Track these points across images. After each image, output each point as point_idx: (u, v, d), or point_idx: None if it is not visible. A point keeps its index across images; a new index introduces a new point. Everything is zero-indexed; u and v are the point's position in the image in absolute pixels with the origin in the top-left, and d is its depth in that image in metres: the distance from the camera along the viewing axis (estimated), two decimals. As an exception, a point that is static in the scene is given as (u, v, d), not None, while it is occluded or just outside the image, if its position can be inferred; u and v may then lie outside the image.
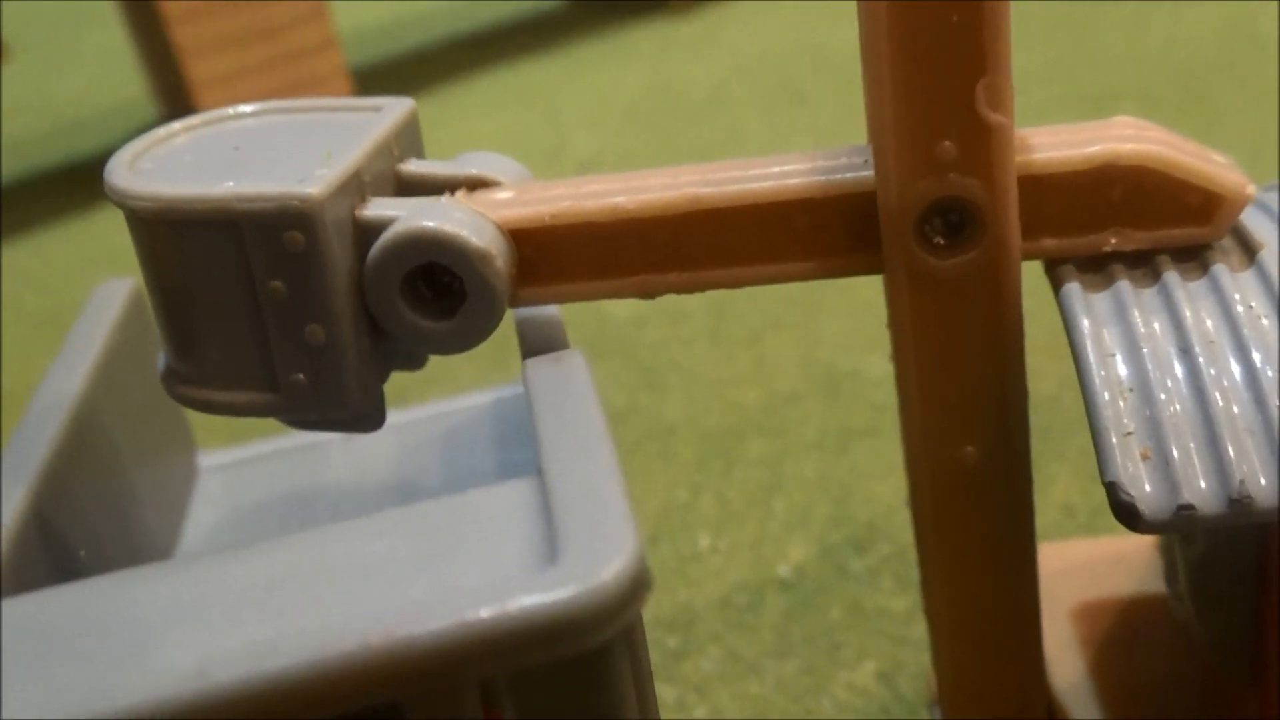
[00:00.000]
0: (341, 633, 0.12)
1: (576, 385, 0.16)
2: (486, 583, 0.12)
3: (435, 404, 0.30)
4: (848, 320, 0.47)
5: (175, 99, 0.88)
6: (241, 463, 0.29)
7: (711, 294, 0.51)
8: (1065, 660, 0.24)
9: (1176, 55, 0.71)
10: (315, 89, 0.88)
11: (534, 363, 0.17)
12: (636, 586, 0.12)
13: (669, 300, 0.54)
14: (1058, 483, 0.36)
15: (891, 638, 0.32)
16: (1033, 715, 0.23)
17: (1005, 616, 0.22)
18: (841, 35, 0.89)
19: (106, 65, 1.20)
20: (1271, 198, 0.20)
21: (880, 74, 0.18)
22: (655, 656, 0.33)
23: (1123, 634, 0.24)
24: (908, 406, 0.20)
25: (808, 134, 0.70)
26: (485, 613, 0.12)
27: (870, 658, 0.32)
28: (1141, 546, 0.26)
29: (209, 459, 0.30)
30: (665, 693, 0.32)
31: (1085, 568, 0.26)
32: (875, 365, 0.44)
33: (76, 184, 0.90)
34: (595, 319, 0.51)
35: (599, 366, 0.47)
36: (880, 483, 0.38)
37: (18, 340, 0.67)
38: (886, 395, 0.41)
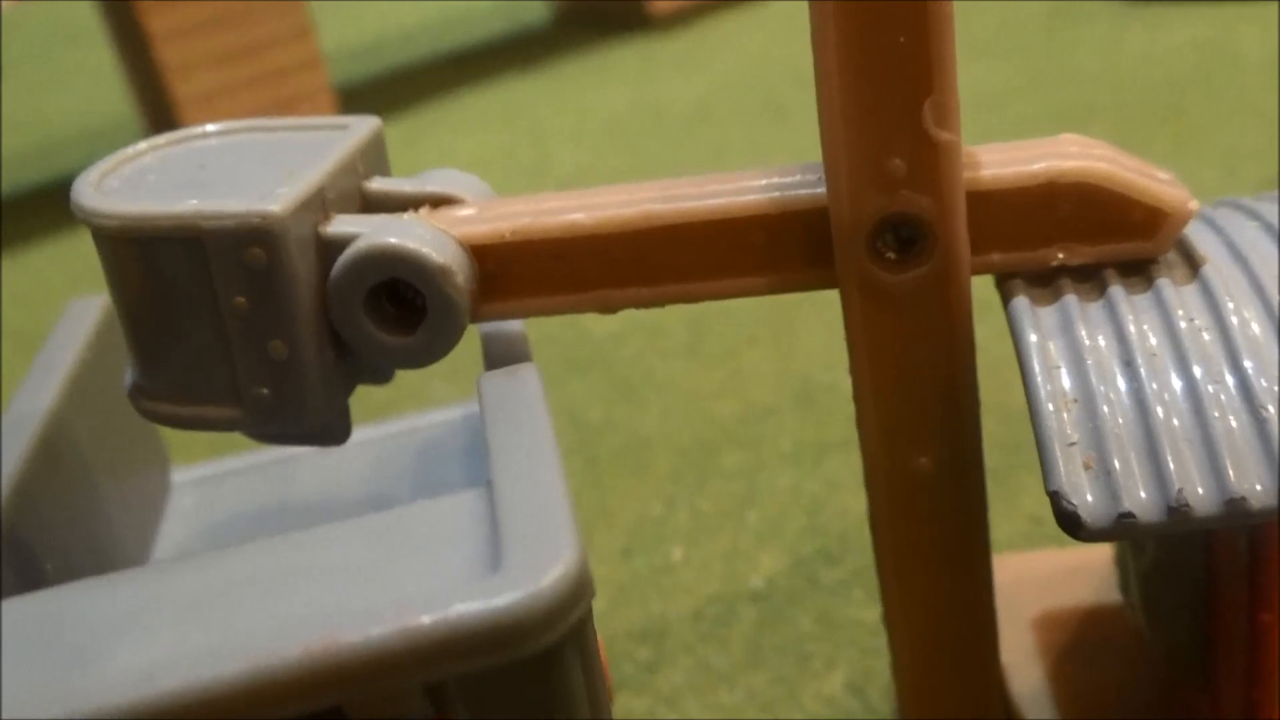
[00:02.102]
0: (285, 639, 0.12)
1: (527, 398, 0.16)
2: (429, 590, 0.12)
3: (407, 419, 0.30)
4: (823, 335, 0.48)
5: (160, 117, 0.88)
6: (215, 478, 0.30)
7: (689, 310, 0.51)
8: (1025, 668, 0.25)
9: (1151, 70, 0.72)
10: (299, 107, 0.88)
11: (488, 376, 0.17)
12: (577, 592, 0.12)
13: (647, 315, 0.55)
14: (1027, 493, 0.37)
15: (861, 648, 0.33)
16: (992, 723, 0.23)
17: (961, 623, 0.22)
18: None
19: (95, 84, 1.20)
20: (1216, 214, 0.21)
21: (831, 93, 0.18)
22: (627, 668, 0.34)
23: (1081, 642, 0.25)
24: (864, 418, 0.21)
25: (789, 149, 0.71)
26: (426, 619, 0.12)
27: (840, 668, 0.32)
28: (1099, 557, 0.26)
29: (182, 474, 0.30)
30: (636, 704, 0.32)
31: (1045, 578, 0.26)
32: (848, 380, 0.44)
33: (64, 202, 0.91)
34: (573, 333, 0.51)
35: (577, 380, 0.48)
36: (853, 495, 0.38)
37: (5, 357, 0.67)
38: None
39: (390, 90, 0.99)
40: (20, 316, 0.72)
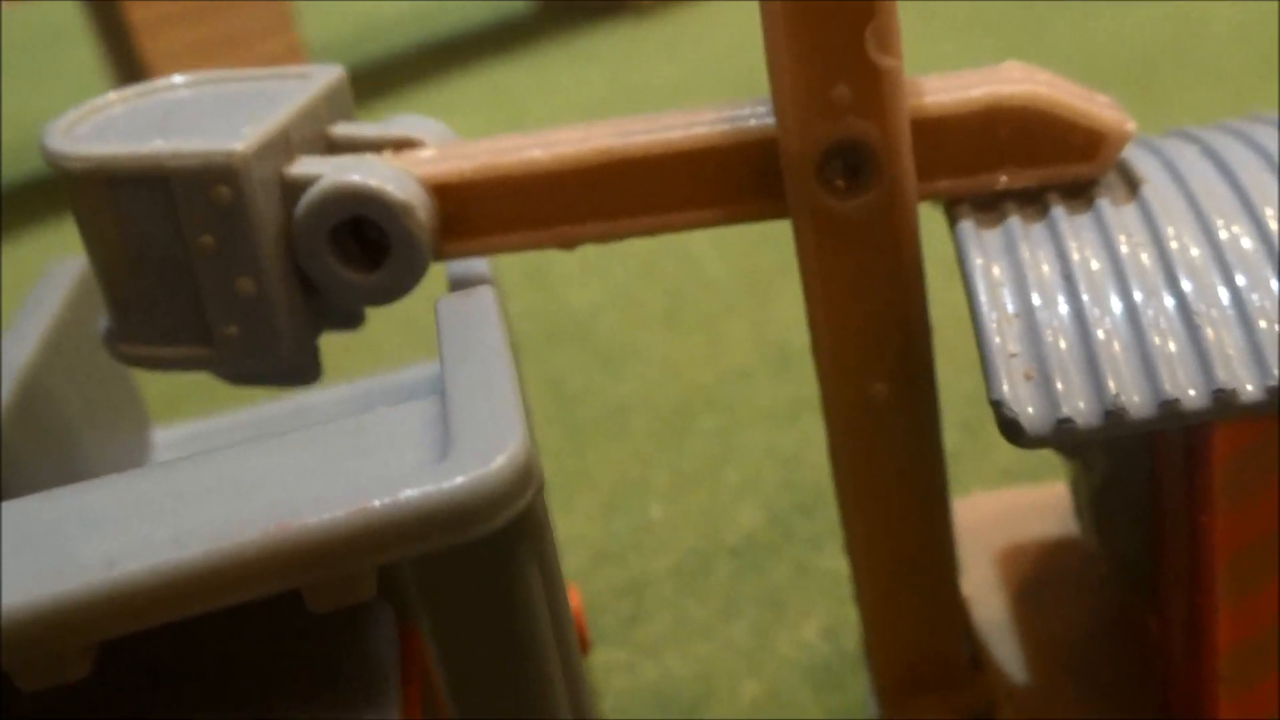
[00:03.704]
0: (241, 525, 0.12)
1: (481, 311, 0.17)
2: (382, 479, 0.13)
3: (382, 377, 0.30)
4: (800, 303, 0.48)
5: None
6: (194, 438, 0.30)
7: (668, 281, 0.52)
8: (988, 601, 0.25)
9: (1123, 43, 0.72)
10: (283, 96, 0.88)
11: (445, 298, 0.18)
12: (523, 477, 0.13)
13: (626, 287, 0.55)
14: (999, 447, 0.37)
15: (835, 597, 0.33)
16: (953, 651, 0.24)
17: (921, 548, 0.22)
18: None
19: (86, 80, 1.20)
20: (1158, 140, 0.21)
21: (775, 22, 0.19)
22: (608, 623, 0.34)
23: (1041, 574, 0.25)
24: (819, 347, 0.21)
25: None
26: (376, 502, 0.12)
27: (814, 616, 0.33)
28: (1060, 492, 0.27)
29: (162, 434, 0.30)
30: (616, 656, 0.33)
31: (1008, 515, 0.27)
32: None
33: (61, 195, 0.91)
34: (555, 305, 0.52)
35: (557, 351, 0.48)
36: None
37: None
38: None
39: (372, 79, 0.99)
40: (10, 310, 0.72)
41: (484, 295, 0.17)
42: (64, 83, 1.28)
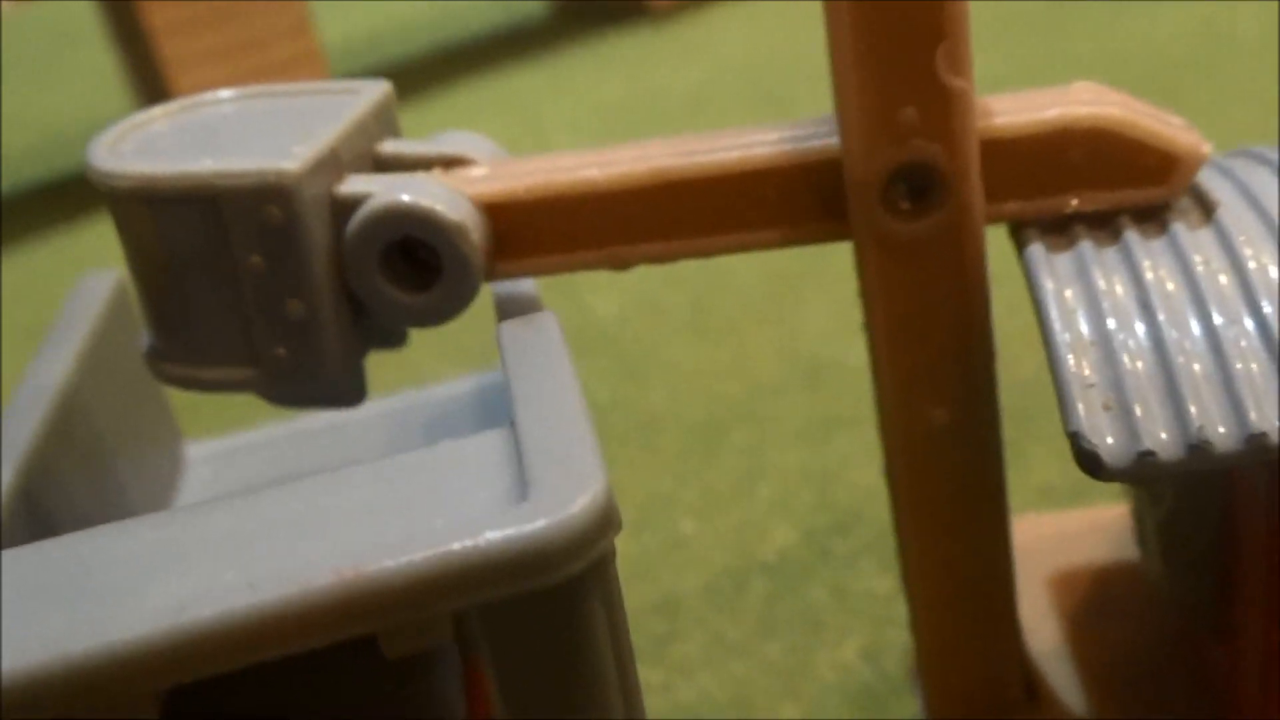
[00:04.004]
0: (316, 568, 0.12)
1: (547, 340, 0.16)
2: (458, 520, 0.13)
3: (420, 391, 0.30)
4: (828, 311, 0.48)
5: (160, 112, 0.88)
6: (228, 452, 0.30)
7: (692, 288, 0.51)
8: (1043, 628, 0.25)
9: (1149, 55, 0.72)
10: (300, 100, 0.88)
11: (507, 324, 0.18)
12: (604, 520, 0.13)
13: (650, 295, 0.54)
14: (1037, 464, 0.37)
15: (874, 618, 0.33)
16: (1009, 679, 0.23)
17: (980, 578, 0.22)
18: (817, 43, 0.89)
19: (94, 82, 1.20)
20: (1228, 161, 0.21)
21: (842, 42, 0.18)
22: (641, 642, 0.34)
23: (1097, 600, 0.25)
24: (879, 371, 0.21)
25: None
26: (456, 546, 0.12)
27: (853, 637, 0.32)
28: (1116, 516, 0.26)
29: (196, 449, 0.30)
30: (651, 676, 0.32)
31: (1063, 538, 0.26)
32: (856, 354, 0.44)
33: (66, 198, 0.91)
34: (578, 314, 0.51)
35: (582, 361, 0.48)
36: (863, 470, 0.38)
37: (8, 353, 0.67)
38: (867, 384, 0.42)
39: (390, 81, 0.99)
40: (23, 312, 0.72)
41: (547, 322, 0.17)
42: (71, 85, 1.27)
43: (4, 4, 1.89)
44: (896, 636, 0.32)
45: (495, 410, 0.28)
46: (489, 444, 0.14)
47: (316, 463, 0.29)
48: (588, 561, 0.12)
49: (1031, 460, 0.37)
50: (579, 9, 1.08)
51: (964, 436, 0.21)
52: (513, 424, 0.14)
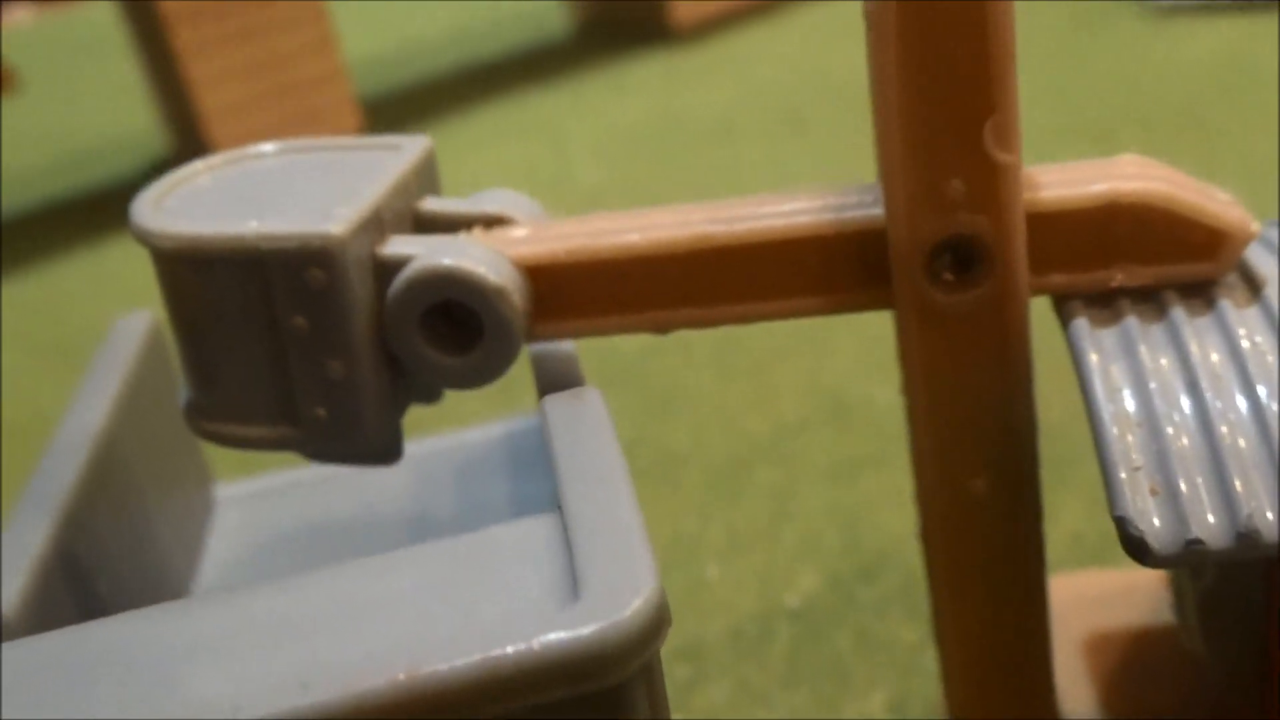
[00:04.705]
0: (371, 669, 0.12)
1: (594, 421, 0.16)
2: (510, 619, 0.12)
3: (448, 436, 0.30)
4: (854, 349, 0.48)
5: (186, 129, 0.89)
6: (258, 495, 0.30)
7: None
8: (1076, 692, 0.25)
9: (1173, 82, 0.71)
10: (324, 119, 0.89)
11: (552, 400, 0.17)
12: (657, 623, 0.12)
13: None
14: (1066, 511, 0.37)
15: (901, 668, 0.32)
16: (1043, 745, 0.23)
17: (1015, 647, 0.22)
18: (841, 64, 0.90)
19: (116, 95, 1.21)
20: (1274, 234, 0.21)
21: (890, 114, 0.18)
22: (667, 687, 0.33)
23: (1133, 665, 0.25)
24: (918, 439, 0.21)
25: (810, 162, 0.71)
26: (510, 650, 0.12)
27: (880, 688, 0.32)
28: (1151, 578, 0.26)
29: (226, 491, 0.30)
30: (676, 723, 0.32)
31: (1095, 599, 0.26)
32: (883, 394, 0.44)
33: (88, 214, 0.91)
34: (603, 349, 0.51)
35: (607, 396, 0.48)
36: (889, 512, 0.38)
37: (25, 370, 0.67)
38: (895, 424, 0.42)
39: (412, 102, 0.99)
40: (41, 329, 0.72)
41: (593, 400, 0.17)
42: (94, 98, 1.28)
43: (24, 14, 1.90)
44: (922, 687, 0.32)
45: (523, 462, 0.28)
46: (537, 531, 0.14)
47: (342, 508, 0.29)
48: (642, 663, 0.12)
49: (1060, 507, 0.36)
50: (601, 28, 1.08)
51: (1003, 506, 0.21)
52: (560, 509, 0.14)
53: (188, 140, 0.89)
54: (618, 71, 0.97)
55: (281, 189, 0.21)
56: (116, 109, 1.18)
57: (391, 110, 0.97)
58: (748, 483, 0.41)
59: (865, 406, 0.44)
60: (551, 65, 1.02)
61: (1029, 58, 0.75)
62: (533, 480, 0.28)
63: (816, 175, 0.69)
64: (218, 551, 0.28)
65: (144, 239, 0.20)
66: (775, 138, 0.77)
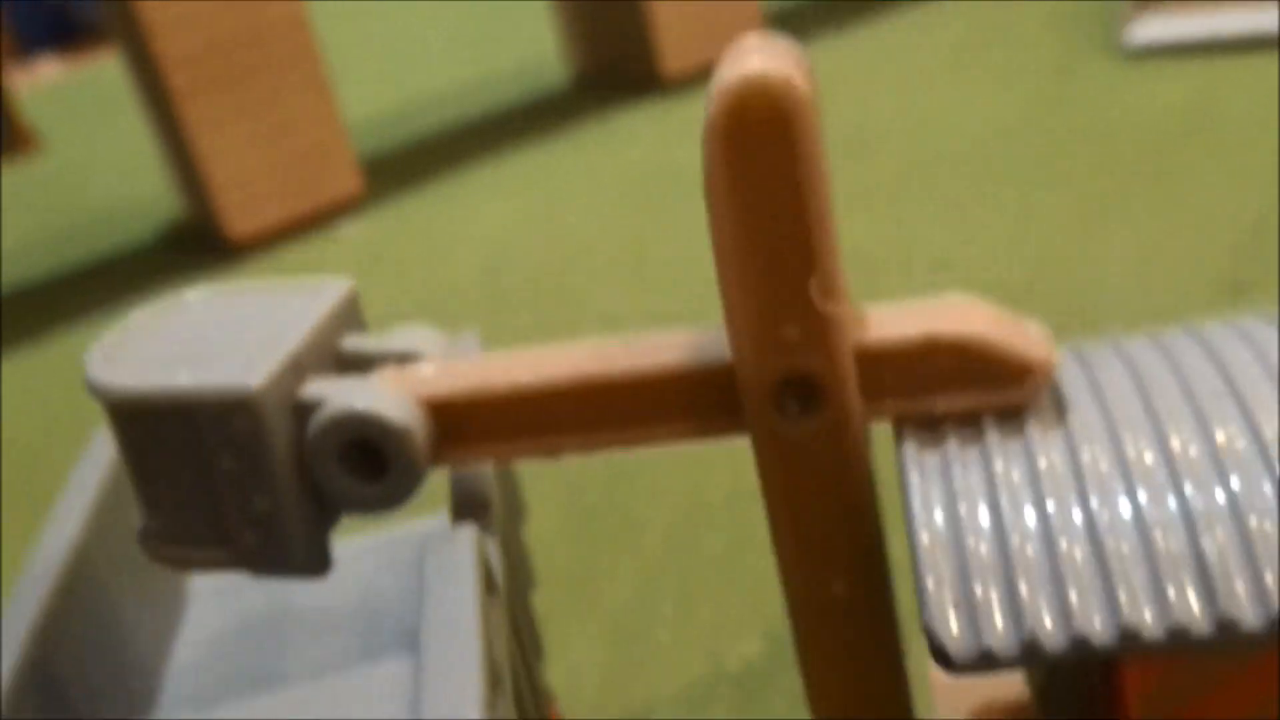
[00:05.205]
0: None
1: (460, 569, 0.19)
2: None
3: (396, 530, 0.33)
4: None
5: (197, 196, 0.93)
6: (228, 586, 0.33)
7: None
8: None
9: (1145, 126, 0.73)
10: (327, 183, 0.92)
11: (431, 544, 0.20)
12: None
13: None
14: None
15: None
16: (921, 812, 0.25)
17: (881, 727, 0.24)
18: (830, 109, 0.92)
19: (133, 154, 1.25)
20: (1090, 354, 0.23)
21: (729, 273, 0.21)
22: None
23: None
24: (780, 547, 0.23)
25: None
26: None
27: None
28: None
29: (199, 582, 0.33)
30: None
31: (975, 687, 0.28)
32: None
33: (104, 279, 0.95)
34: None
35: (568, 462, 0.50)
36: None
37: (42, 449, 0.70)
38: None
39: (412, 159, 1.03)
40: (63, 398, 0.76)
41: (464, 541, 0.20)
42: (113, 157, 1.32)
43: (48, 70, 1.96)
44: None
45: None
46: (395, 676, 0.17)
47: (303, 600, 0.32)
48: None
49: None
50: (597, 80, 1.11)
51: (860, 606, 0.23)
52: (419, 649, 0.17)
53: (199, 207, 0.93)
54: (612, 124, 1.00)
55: (214, 338, 0.24)
56: (132, 168, 1.22)
57: (391, 168, 1.01)
58: (699, 548, 0.43)
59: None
60: (548, 117, 1.05)
61: (1004, 103, 0.78)
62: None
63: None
64: (189, 643, 0.30)
65: (94, 392, 0.23)
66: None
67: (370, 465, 0.23)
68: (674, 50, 1.03)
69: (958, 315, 0.22)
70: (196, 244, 0.94)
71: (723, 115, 0.20)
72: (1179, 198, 0.64)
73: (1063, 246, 0.62)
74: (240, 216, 0.89)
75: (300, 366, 0.23)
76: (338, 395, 0.23)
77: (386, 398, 0.23)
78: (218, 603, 0.32)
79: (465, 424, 0.23)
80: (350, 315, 0.25)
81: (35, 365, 0.82)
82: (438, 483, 0.25)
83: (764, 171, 0.20)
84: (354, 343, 0.25)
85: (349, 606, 0.31)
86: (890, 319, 0.22)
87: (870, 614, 0.23)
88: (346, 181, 0.93)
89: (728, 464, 0.48)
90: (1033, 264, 0.61)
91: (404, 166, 1.01)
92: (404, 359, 0.24)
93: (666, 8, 1.01)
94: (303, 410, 0.23)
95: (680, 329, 0.23)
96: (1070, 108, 0.79)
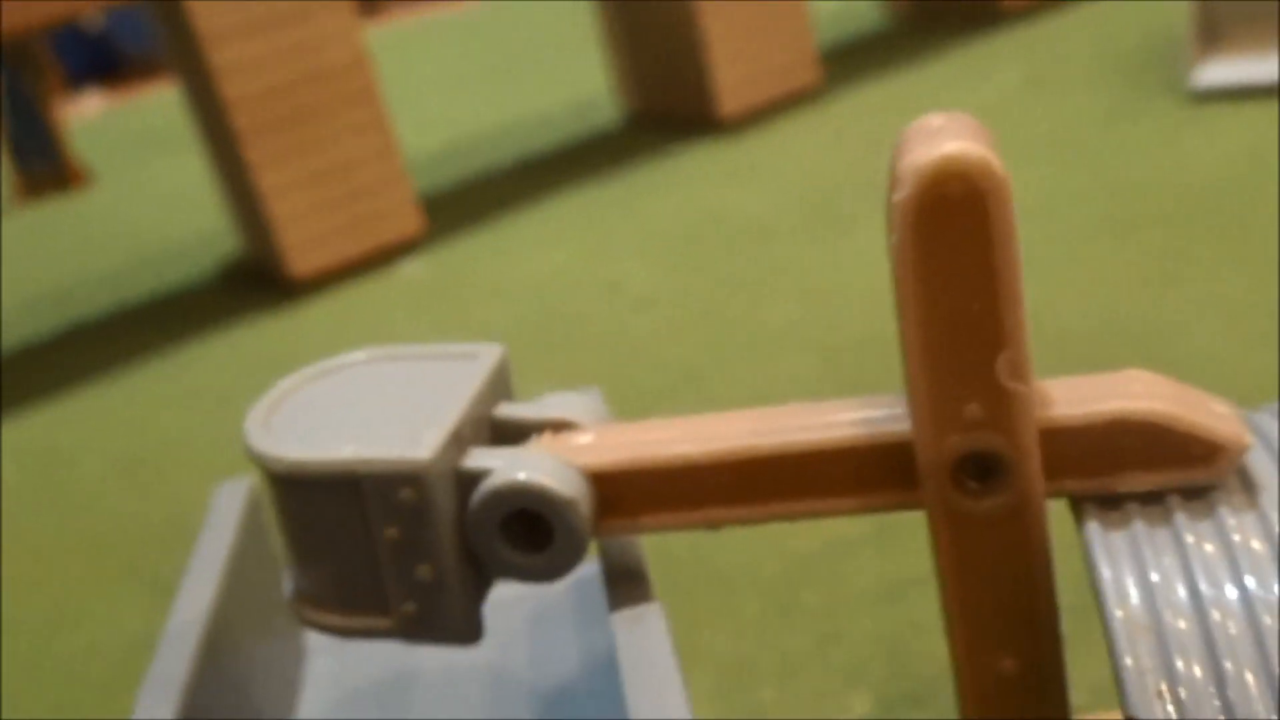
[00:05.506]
0: None
1: (656, 650, 0.19)
2: None
3: (519, 585, 0.32)
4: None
5: (257, 233, 0.93)
6: (345, 642, 0.32)
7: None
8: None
9: (1204, 179, 0.73)
10: (387, 222, 0.92)
11: (620, 618, 0.20)
12: None
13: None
14: (1093, 663, 0.38)
15: (950, 795, 0.34)
16: None
17: (1047, 811, 0.24)
18: (881, 157, 0.91)
19: (185, 188, 1.26)
20: (1266, 425, 0.22)
21: (914, 349, 0.21)
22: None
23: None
24: (951, 625, 0.23)
25: (856, 262, 0.73)
26: None
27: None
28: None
29: (316, 638, 0.33)
30: None
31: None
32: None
33: (163, 318, 0.95)
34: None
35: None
36: (936, 636, 0.40)
37: (106, 480, 0.70)
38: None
39: (469, 199, 1.03)
40: (126, 438, 0.76)
41: (655, 618, 0.19)
42: (165, 192, 1.33)
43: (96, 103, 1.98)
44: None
45: (589, 612, 0.30)
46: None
47: (425, 655, 0.31)
48: None
49: (1086, 658, 0.38)
50: (651, 121, 1.12)
51: (1031, 684, 0.23)
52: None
53: (259, 245, 0.94)
54: (665, 166, 1.00)
55: (371, 406, 0.24)
56: (185, 201, 1.23)
57: (450, 208, 1.01)
58: (797, 603, 0.43)
59: (904, 524, 0.46)
60: (603, 158, 1.06)
61: (1060, 154, 0.78)
62: (596, 629, 0.31)
63: (859, 277, 0.71)
64: (311, 699, 0.30)
65: (258, 462, 0.23)
66: (820, 237, 0.79)
67: (532, 534, 0.23)
68: (729, 92, 1.03)
69: (1142, 391, 0.21)
70: (256, 282, 0.94)
71: (918, 194, 0.20)
72: (1249, 244, 0.64)
73: (1132, 296, 0.61)
74: (300, 255, 0.89)
75: (462, 437, 0.23)
76: (502, 466, 0.22)
77: (550, 468, 0.22)
78: (333, 661, 0.32)
79: (627, 494, 0.23)
80: (502, 382, 0.25)
81: (99, 405, 0.82)
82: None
83: (958, 249, 0.20)
84: (509, 410, 0.24)
85: (468, 663, 0.31)
86: (1074, 396, 0.21)
87: (1041, 694, 0.23)
88: (406, 221, 0.94)
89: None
90: (1101, 314, 0.61)
91: (462, 206, 1.01)
92: (559, 426, 0.24)
93: (722, 49, 1.02)
94: (465, 480, 0.23)
95: (851, 399, 0.23)
96: (1135, 153, 0.79)
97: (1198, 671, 0.19)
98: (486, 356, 0.25)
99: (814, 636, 0.41)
